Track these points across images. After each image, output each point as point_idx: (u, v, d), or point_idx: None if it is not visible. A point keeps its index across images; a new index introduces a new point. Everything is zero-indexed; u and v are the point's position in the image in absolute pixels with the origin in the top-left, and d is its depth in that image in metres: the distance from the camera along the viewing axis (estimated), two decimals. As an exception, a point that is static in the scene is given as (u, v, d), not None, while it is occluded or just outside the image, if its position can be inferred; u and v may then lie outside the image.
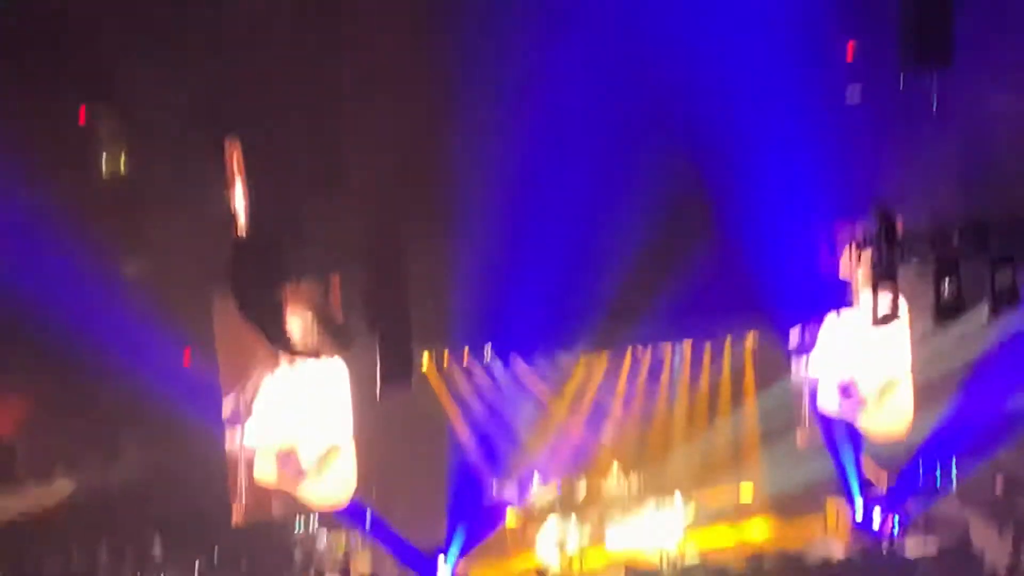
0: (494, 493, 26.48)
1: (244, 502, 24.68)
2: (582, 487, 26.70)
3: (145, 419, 26.03)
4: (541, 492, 26.50)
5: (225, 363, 24.66)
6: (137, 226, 24.50)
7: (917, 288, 22.16)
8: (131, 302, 23.77)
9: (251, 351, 24.12)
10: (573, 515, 25.87)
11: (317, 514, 26.52)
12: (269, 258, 20.69)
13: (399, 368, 21.00)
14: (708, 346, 26.96)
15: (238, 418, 24.69)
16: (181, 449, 25.74)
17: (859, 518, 25.58)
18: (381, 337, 20.89)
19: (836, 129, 24.04)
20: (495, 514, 26.06)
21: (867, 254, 21.31)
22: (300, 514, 26.24)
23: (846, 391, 26.73)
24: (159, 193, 23.52)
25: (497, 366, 26.31)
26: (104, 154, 23.95)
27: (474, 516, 25.24)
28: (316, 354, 21.78)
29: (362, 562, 25.32)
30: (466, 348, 25.66)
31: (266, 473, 24.56)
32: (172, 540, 24.84)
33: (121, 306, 23.57)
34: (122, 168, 24.05)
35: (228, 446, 24.52)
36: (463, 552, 24.79)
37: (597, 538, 25.95)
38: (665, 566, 24.60)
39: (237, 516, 24.75)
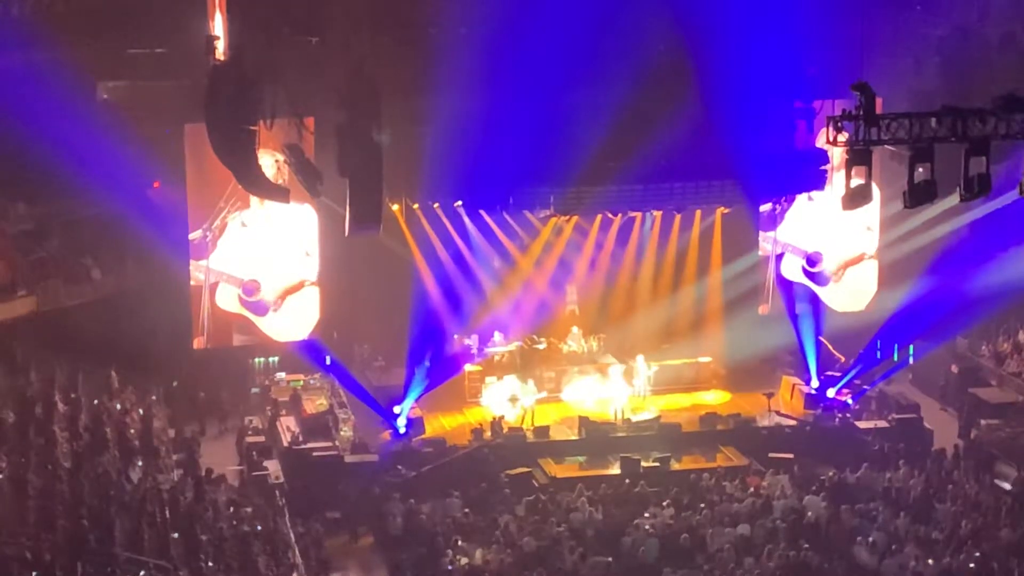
0: (455, 345, 26.65)
1: (206, 330, 24.93)
2: (542, 345, 26.90)
3: (111, 245, 26.04)
4: (501, 348, 26.71)
5: (194, 195, 24.64)
6: (116, 47, 24.33)
7: (890, 170, 22.16)
8: (105, 125, 23.62)
9: (220, 187, 24.15)
10: (530, 371, 26.04)
11: (277, 358, 26.80)
12: (244, 90, 20.43)
13: (368, 213, 20.89)
14: (678, 218, 26.89)
15: (204, 252, 24.79)
16: (145, 277, 25.78)
17: (814, 389, 25.84)
18: (352, 181, 20.75)
19: (824, 6, 23.91)
20: (454, 364, 26.23)
21: (844, 135, 21.13)
22: (259, 352, 26.45)
23: (812, 261, 26.98)
24: (140, 15, 23.39)
25: (467, 221, 26.26)
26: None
27: (433, 364, 25.35)
28: (286, 198, 21.64)
29: (317, 400, 25.47)
30: (436, 204, 25.58)
31: (229, 301, 24.84)
32: (131, 366, 24.86)
33: (94, 129, 23.39)
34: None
35: (192, 277, 24.77)
36: (419, 397, 24.96)
37: (554, 392, 26.18)
38: (619, 420, 24.83)
39: (198, 343, 24.95)
